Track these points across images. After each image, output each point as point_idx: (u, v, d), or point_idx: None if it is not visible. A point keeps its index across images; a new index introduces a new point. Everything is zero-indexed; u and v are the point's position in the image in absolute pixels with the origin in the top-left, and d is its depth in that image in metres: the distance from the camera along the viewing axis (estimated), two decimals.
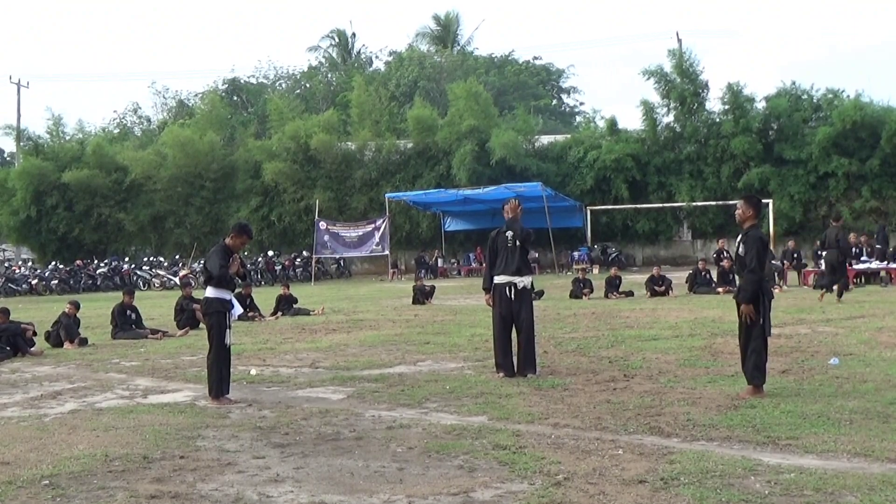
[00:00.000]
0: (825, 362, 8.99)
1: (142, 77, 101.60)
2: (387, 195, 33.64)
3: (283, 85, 61.72)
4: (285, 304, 17.89)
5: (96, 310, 18.66)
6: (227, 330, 8.01)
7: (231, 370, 8.26)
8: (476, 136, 34.99)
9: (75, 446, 6.22)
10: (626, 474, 5.09)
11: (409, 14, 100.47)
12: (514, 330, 8.88)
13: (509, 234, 8.90)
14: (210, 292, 8.07)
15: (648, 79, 35.08)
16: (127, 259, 37.93)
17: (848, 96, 33.18)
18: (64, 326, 13.27)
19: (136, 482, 5.25)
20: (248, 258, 33.62)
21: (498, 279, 8.93)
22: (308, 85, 60.65)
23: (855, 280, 20.20)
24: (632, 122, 65.80)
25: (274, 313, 17.46)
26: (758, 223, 7.72)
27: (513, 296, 8.82)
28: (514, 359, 8.84)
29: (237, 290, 15.51)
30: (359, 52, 66.04)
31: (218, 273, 7.99)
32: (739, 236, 7.61)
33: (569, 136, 38.39)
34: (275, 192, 38.55)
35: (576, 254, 32.58)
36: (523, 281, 8.89)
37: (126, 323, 14.35)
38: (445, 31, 62.73)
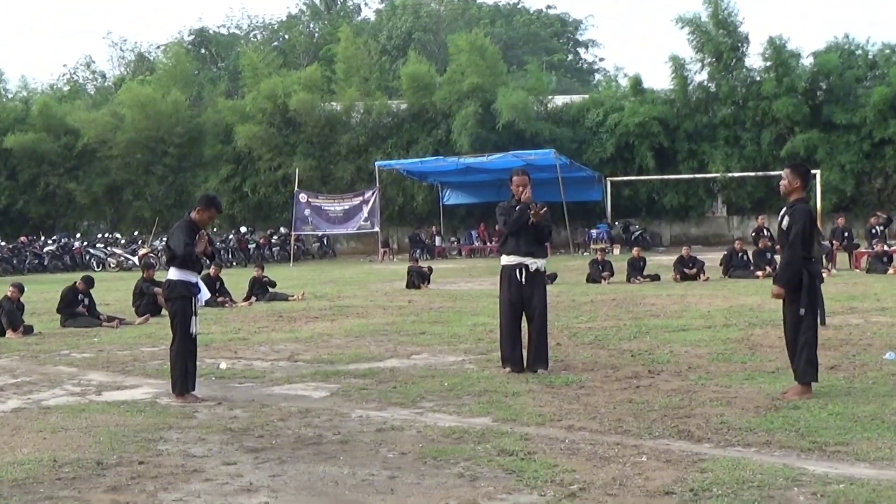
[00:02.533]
0: (880, 357, 9.00)
1: (96, 27, 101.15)
2: (377, 163, 33.59)
3: (259, 36, 61.66)
4: (260, 288, 17.92)
5: (43, 293, 18.65)
6: (194, 317, 8.02)
7: (198, 363, 8.27)
8: (480, 96, 34.90)
9: (19, 450, 6.22)
10: (651, 484, 5.09)
11: None
12: (523, 319, 8.88)
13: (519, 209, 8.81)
14: (173, 274, 8.07)
15: (682, 27, 34.99)
16: (78, 236, 37.83)
17: None
18: (6, 312, 13.27)
19: (89, 491, 5.25)
20: (218, 235, 33.63)
21: (507, 260, 8.90)
22: (287, 36, 60.57)
23: None
24: (659, 80, 65.67)
25: (247, 298, 17.48)
26: (805, 196, 7.69)
27: (524, 279, 8.78)
28: (524, 352, 8.85)
29: (205, 272, 15.52)
30: None
31: (182, 252, 7.99)
32: (784, 209, 7.56)
33: (586, 96, 38.35)
34: (248, 159, 38.51)
35: (594, 232, 32.58)
36: (536, 263, 8.85)
37: (73, 306, 14.30)
38: None
